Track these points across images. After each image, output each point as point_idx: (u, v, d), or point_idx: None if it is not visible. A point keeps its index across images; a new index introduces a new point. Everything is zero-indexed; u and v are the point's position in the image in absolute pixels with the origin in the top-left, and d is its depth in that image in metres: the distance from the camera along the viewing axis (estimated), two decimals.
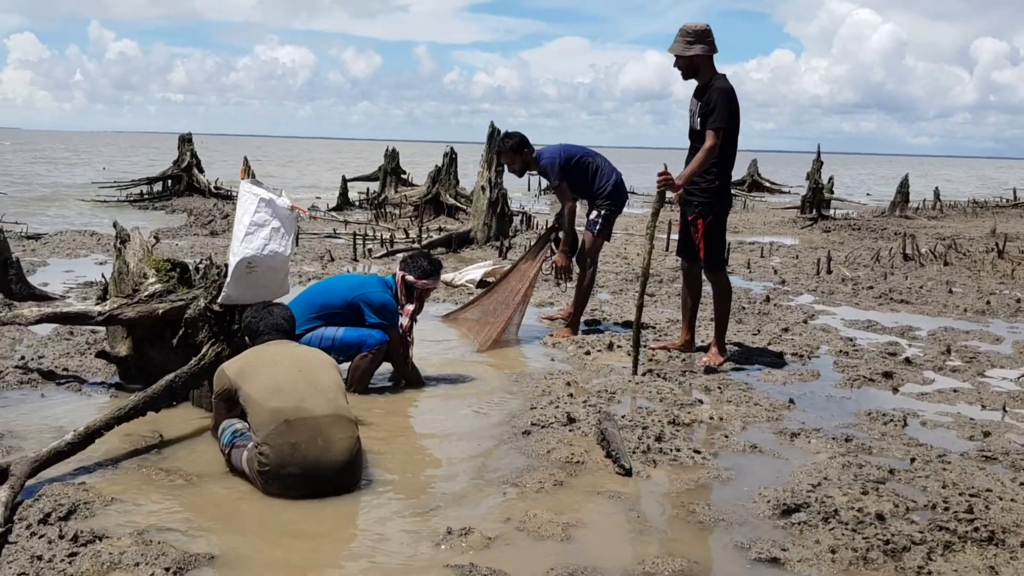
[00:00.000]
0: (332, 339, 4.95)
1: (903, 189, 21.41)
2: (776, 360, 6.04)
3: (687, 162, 5.72)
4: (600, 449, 4.13)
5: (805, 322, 7.38)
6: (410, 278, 5.20)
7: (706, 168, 5.62)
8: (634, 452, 4.09)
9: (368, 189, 24.28)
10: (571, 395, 4.98)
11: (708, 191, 5.74)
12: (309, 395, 3.61)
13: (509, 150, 6.90)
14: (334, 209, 20.65)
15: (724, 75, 5.72)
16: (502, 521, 3.36)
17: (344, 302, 5.04)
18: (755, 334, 6.83)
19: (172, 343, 4.65)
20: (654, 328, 7.00)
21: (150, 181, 23.29)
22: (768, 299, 8.42)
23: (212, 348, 4.41)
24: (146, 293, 4.81)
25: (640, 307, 5.62)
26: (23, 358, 5.41)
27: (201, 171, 23.12)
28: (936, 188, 24.41)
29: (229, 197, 22.67)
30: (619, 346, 6.21)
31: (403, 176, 23.73)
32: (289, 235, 4.34)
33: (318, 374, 3.74)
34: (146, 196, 21.94)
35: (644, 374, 5.50)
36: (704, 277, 6.02)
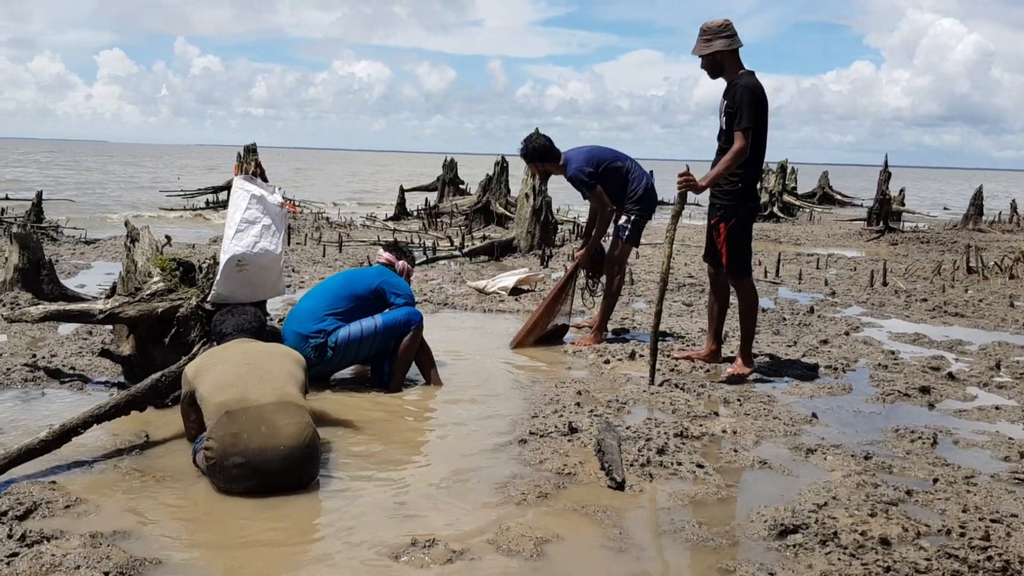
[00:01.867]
0: (374, 327, 5.06)
1: (977, 201, 20.54)
2: (808, 372, 5.71)
3: (713, 164, 5.47)
4: (596, 461, 3.91)
5: (847, 334, 7.01)
6: (402, 263, 5.60)
7: (743, 174, 5.39)
8: (631, 465, 3.86)
9: (427, 200, 24.39)
10: (579, 404, 4.76)
11: (731, 193, 5.48)
12: (254, 385, 3.52)
13: (527, 157, 6.65)
14: (391, 219, 20.77)
15: (751, 72, 5.47)
16: (473, 533, 3.17)
17: (370, 289, 5.17)
18: (791, 346, 6.50)
19: (187, 340, 4.60)
20: (683, 338, 6.72)
21: (215, 190, 23.75)
22: (812, 310, 8.05)
23: (203, 347, 4.33)
24: (148, 292, 4.76)
25: (658, 314, 5.37)
26: (34, 356, 5.43)
27: (265, 180, 23.44)
28: (1013, 200, 23.34)
29: (302, 210, 23.06)
30: (641, 355, 5.96)
31: (461, 187, 23.76)
32: (280, 232, 4.24)
33: (267, 365, 3.64)
34: (210, 205, 22.38)
35: (661, 384, 5.25)
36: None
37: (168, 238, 5.05)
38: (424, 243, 12.48)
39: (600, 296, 6.87)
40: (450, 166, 23.97)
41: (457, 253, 11.44)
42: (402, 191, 22.24)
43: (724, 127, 5.46)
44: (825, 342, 6.68)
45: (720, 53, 5.41)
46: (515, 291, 8.67)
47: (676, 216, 5.43)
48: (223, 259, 4.18)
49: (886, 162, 19.55)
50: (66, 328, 6.32)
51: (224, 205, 22.17)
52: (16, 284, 7.16)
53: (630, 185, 6.61)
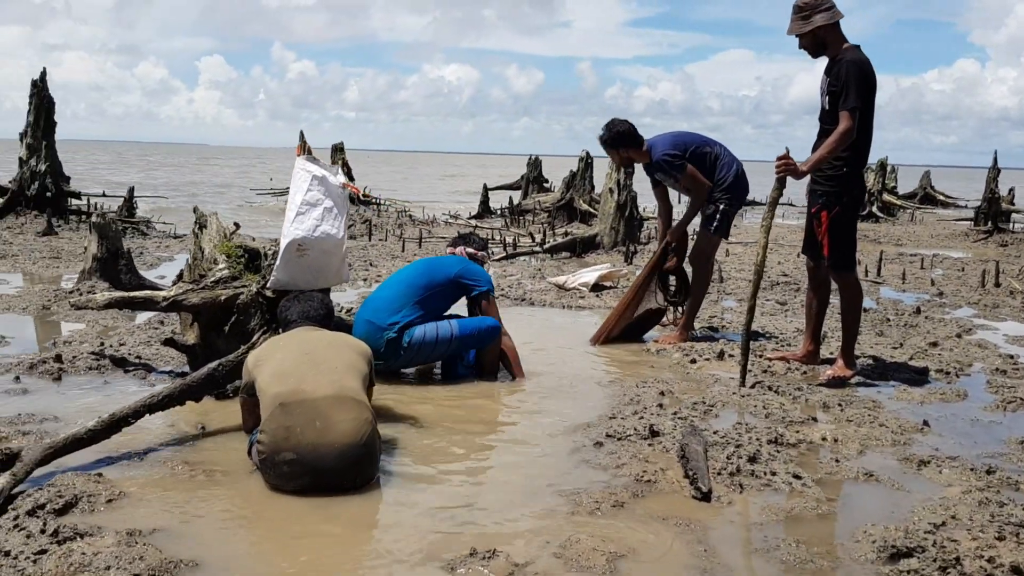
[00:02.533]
0: (451, 334, 4.92)
1: None
2: (916, 377, 5.20)
3: (814, 147, 5.02)
4: (680, 468, 3.54)
5: (959, 336, 6.42)
6: (471, 251, 5.30)
7: (849, 157, 4.92)
8: (719, 473, 3.48)
9: (510, 198, 24.18)
10: (661, 406, 4.38)
11: (835, 179, 5.00)
12: (311, 376, 3.27)
13: (610, 142, 6.22)
14: (474, 216, 20.64)
15: (856, 46, 4.99)
16: (539, 545, 2.85)
17: (448, 278, 5.01)
18: (896, 348, 5.97)
19: (248, 328, 4.42)
20: (778, 339, 6.26)
21: None
22: (919, 311, 7.45)
23: (264, 336, 4.13)
24: (212, 279, 4.59)
25: (751, 309, 4.94)
26: (102, 344, 5.35)
27: (352, 179, 23.61)
28: None
29: (378, 205, 23.17)
30: (731, 355, 5.54)
31: (545, 185, 23.47)
32: (342, 216, 4.01)
33: (327, 355, 3.39)
34: None
35: (753, 386, 4.83)
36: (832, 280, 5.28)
37: (237, 225, 4.83)
38: (505, 239, 12.22)
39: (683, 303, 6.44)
40: (534, 164, 23.70)
41: (538, 249, 11.13)
42: (486, 189, 22.10)
43: (827, 107, 5.00)
44: (935, 344, 6.12)
45: (821, 28, 4.95)
46: (596, 287, 8.31)
47: (773, 203, 5.00)
48: (283, 243, 3.97)
49: (995, 160, 18.42)
50: (141, 318, 6.25)
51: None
52: (95, 273, 7.17)
53: (718, 172, 6.16)
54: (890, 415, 4.39)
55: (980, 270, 10.40)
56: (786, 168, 4.82)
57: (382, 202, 24.27)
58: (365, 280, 8.50)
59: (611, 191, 11.61)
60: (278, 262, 4.01)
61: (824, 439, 4.00)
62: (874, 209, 21.19)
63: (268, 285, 4.12)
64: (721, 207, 6.12)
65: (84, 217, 13.85)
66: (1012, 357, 5.79)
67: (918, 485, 3.49)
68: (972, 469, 3.61)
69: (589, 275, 8.37)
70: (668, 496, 3.31)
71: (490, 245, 11.51)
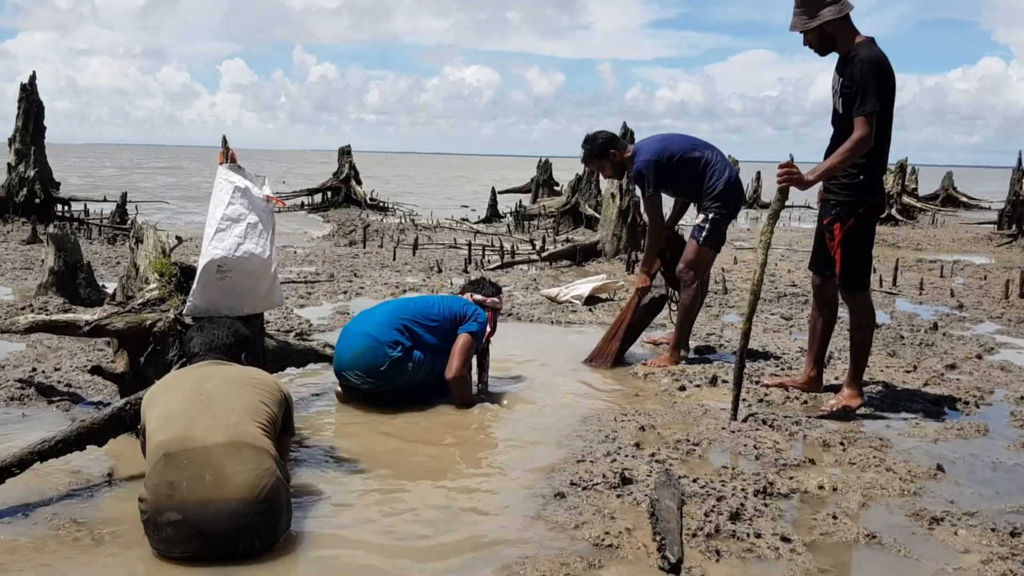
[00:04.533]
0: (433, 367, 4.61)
1: None
2: (931, 407, 4.66)
3: (827, 153, 4.50)
4: (650, 527, 3.04)
5: (979, 357, 5.86)
6: (479, 297, 4.93)
7: (864, 164, 4.38)
8: (694, 535, 2.97)
9: (519, 201, 23.74)
10: (638, 445, 3.87)
11: (850, 188, 4.46)
12: (202, 421, 2.80)
13: (593, 156, 5.76)
14: (482, 221, 20.22)
15: (870, 40, 4.43)
16: None
17: (453, 317, 4.69)
18: (909, 371, 5.43)
19: (166, 359, 3.95)
20: (778, 360, 5.73)
21: (310, 192, 23.74)
22: (936, 327, 6.88)
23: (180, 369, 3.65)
24: (140, 301, 4.12)
25: (746, 333, 4.42)
26: (34, 370, 4.90)
27: (359, 183, 23.31)
28: None
29: (385, 208, 22.82)
30: (724, 381, 5.01)
31: (555, 188, 22.98)
32: (268, 233, 3.53)
33: (226, 394, 2.92)
34: (306, 207, 22.28)
35: (746, 419, 4.31)
36: (841, 299, 4.73)
37: (179, 239, 4.35)
38: (503, 246, 11.72)
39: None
40: (544, 167, 23.25)
41: (535, 257, 10.63)
42: (494, 193, 21.67)
43: (841, 110, 4.44)
44: (952, 367, 5.57)
45: (829, 24, 4.39)
46: (591, 300, 7.80)
47: (774, 217, 4.45)
48: (201, 264, 3.49)
49: (1020, 160, 17.71)
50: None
51: (319, 209, 22.14)
52: (51, 288, 6.74)
53: (708, 178, 5.60)
54: (899, 456, 3.86)
55: (1004, 279, 9.80)
56: (788, 178, 4.30)
57: (389, 206, 23.90)
58: (345, 293, 8.02)
59: (613, 196, 11.10)
60: (195, 286, 3.53)
61: (821, 487, 3.48)
62: (893, 212, 20.52)
63: (184, 312, 3.64)
64: (711, 216, 5.57)
65: (74, 224, 13.50)
66: None
67: (928, 550, 2.97)
68: (993, 529, 3.08)
69: (583, 287, 7.86)
70: (630, 566, 2.80)
71: (491, 255, 11.04)
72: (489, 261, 10.72)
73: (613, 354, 5.59)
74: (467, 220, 20.60)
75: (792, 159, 4.36)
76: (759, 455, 3.82)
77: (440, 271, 9.66)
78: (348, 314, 6.81)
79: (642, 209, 5.80)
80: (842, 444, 3.99)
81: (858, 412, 4.53)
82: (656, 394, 4.88)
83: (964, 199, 29.51)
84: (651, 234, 5.74)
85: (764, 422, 4.28)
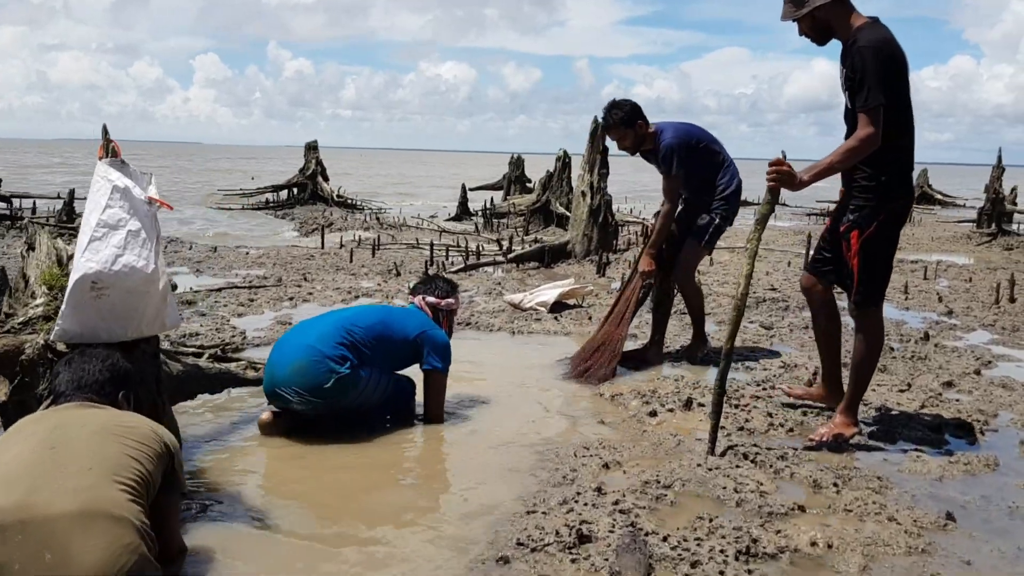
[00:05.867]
0: (399, 393, 4.28)
1: None
2: (930, 435, 4.14)
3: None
4: None
5: (977, 373, 5.36)
6: (432, 299, 4.46)
7: (881, 161, 3.82)
8: None
9: (491, 198, 23.22)
10: (600, 490, 3.31)
11: (870, 190, 3.88)
12: (47, 483, 2.22)
13: (619, 123, 5.39)
14: (453, 219, 19.70)
15: (874, 20, 3.89)
16: None
17: (407, 340, 4.19)
18: (903, 390, 4.92)
19: (35, 393, 3.34)
20: (757, 373, 5.19)
21: (275, 189, 23.05)
22: (927, 336, 6.39)
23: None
24: (20, 319, 3.50)
25: (728, 355, 3.85)
26: None
27: (326, 179, 22.65)
28: None
29: (352, 206, 22.20)
30: (700, 404, 4.47)
31: (528, 185, 22.44)
32: (152, 242, 2.93)
33: (83, 449, 2.34)
34: (271, 204, 21.58)
35: (724, 453, 3.77)
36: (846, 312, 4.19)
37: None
38: (468, 245, 11.12)
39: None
40: (516, 163, 22.67)
41: (501, 259, 10.05)
42: (464, 190, 21.11)
43: (849, 105, 3.89)
44: (950, 385, 5.07)
45: (821, 9, 3.88)
46: (557, 306, 7.25)
47: (762, 221, 3.92)
48: (71, 280, 2.89)
49: (999, 158, 17.39)
50: None
51: (284, 206, 21.44)
52: None
53: (722, 176, 5.43)
54: (902, 501, 3.33)
55: (991, 283, 9.38)
56: (779, 176, 3.74)
57: (357, 203, 23.25)
58: (291, 299, 7.41)
59: (583, 194, 10.55)
60: (64, 307, 2.92)
61: (814, 544, 2.93)
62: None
63: (52, 338, 3.03)
64: (716, 218, 5.39)
65: (12, 223, 12.76)
66: None
67: None
68: None
69: (548, 293, 7.30)
70: None
71: (455, 256, 10.46)
72: (453, 263, 10.14)
73: (614, 356, 5.24)
74: (436, 217, 20.04)
75: (784, 156, 3.83)
76: (740, 500, 3.27)
77: (398, 274, 9.06)
78: (290, 324, 6.21)
79: (663, 188, 5.52)
80: (835, 485, 3.45)
81: (851, 442, 4.00)
82: (624, 420, 4.32)
83: (940, 196, 29.25)
84: (665, 216, 5.45)
85: (745, 456, 3.73)
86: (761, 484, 3.43)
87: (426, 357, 4.17)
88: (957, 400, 4.73)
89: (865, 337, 4.03)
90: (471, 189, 25.41)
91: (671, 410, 4.42)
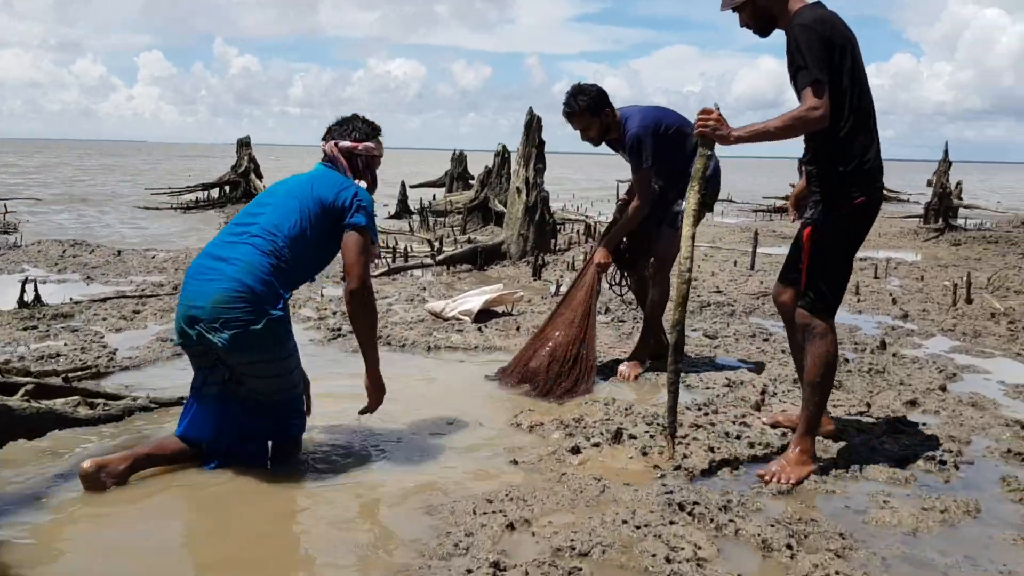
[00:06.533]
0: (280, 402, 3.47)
1: None
2: (899, 471, 3.52)
3: (802, 162, 3.77)
4: None
5: (943, 389, 4.79)
6: (347, 144, 3.64)
7: (834, 150, 3.40)
8: None
9: (434, 196, 22.54)
10: (497, 565, 2.63)
11: (825, 184, 3.44)
12: None
13: (585, 110, 4.88)
14: (392, 216, 18.99)
15: (813, 3, 3.48)
16: None
17: (324, 208, 3.44)
18: (863, 412, 4.32)
19: None
20: (692, 388, 4.55)
21: (206, 187, 22.04)
22: (884, 345, 5.82)
23: None
24: None
25: (674, 387, 3.23)
26: None
27: (260, 176, 21.74)
28: None
29: None
30: (631, 437, 3.80)
31: (471, 181, 21.76)
32: None
33: None
34: (200, 203, 20.61)
35: (659, 496, 3.11)
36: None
37: None
38: (398, 246, 10.35)
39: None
40: (459, 160, 21.97)
41: (430, 261, 9.32)
42: (404, 187, 20.39)
43: (795, 93, 3.41)
44: (914, 404, 4.49)
45: None
46: (483, 315, 6.56)
47: (699, 176, 3.51)
48: None
49: (946, 152, 17.13)
50: None
51: (216, 205, 20.45)
52: None
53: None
54: (871, 566, 2.70)
55: (943, 282, 8.93)
56: (710, 125, 3.40)
57: None
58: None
59: (519, 191, 9.86)
60: None
61: None
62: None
63: None
64: None
65: None
66: (1021, 425, 4.16)
67: None
68: None
69: (473, 300, 6.59)
70: None
71: (380, 248, 9.72)
72: (378, 265, 9.37)
73: (591, 368, 4.79)
74: (375, 216, 19.30)
75: (718, 108, 3.42)
76: (673, 573, 2.61)
77: (312, 279, 8.26)
78: (173, 339, 5.43)
79: (633, 180, 5.06)
80: (789, 546, 2.81)
81: (808, 481, 3.38)
82: (541, 459, 3.63)
83: (885, 192, 29.20)
84: (634, 213, 5.00)
85: (681, 507, 3.07)
86: (699, 548, 2.77)
87: (351, 215, 3.43)
88: (924, 425, 4.13)
89: (813, 349, 3.48)
90: (412, 186, 24.62)
91: (597, 444, 3.74)
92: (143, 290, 7.41)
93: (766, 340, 5.97)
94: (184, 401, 4.21)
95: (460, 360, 5.39)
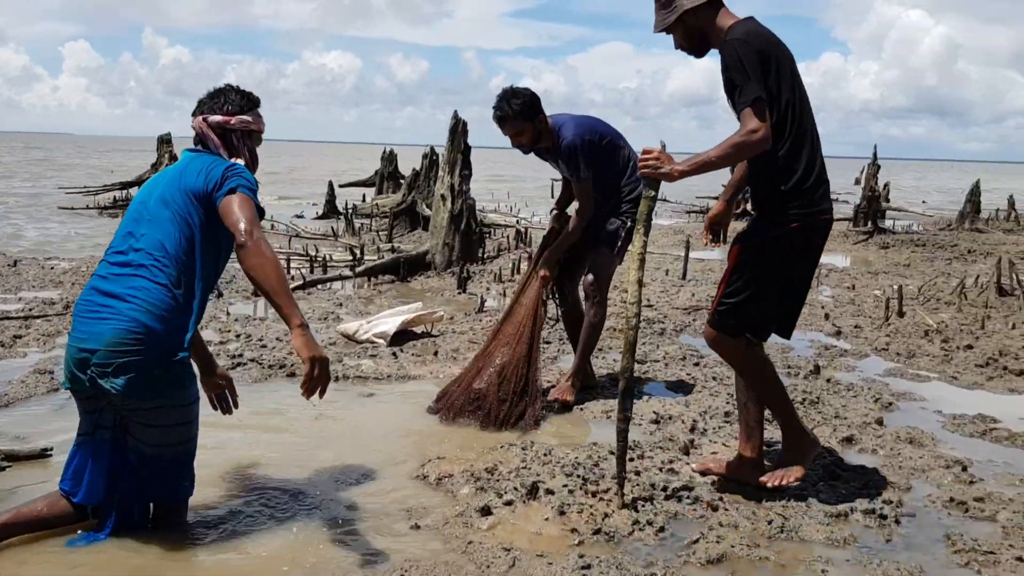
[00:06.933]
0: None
1: (973, 197, 18.32)
2: (837, 530, 3.23)
3: (748, 186, 3.52)
4: None
5: (880, 423, 4.53)
6: (218, 118, 3.14)
7: (773, 168, 3.26)
8: None
9: (363, 196, 22.00)
10: None
11: (765, 202, 3.35)
12: None
13: (518, 115, 4.57)
14: (320, 217, 18.46)
15: (746, 19, 3.33)
16: None
17: (198, 196, 2.95)
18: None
19: None
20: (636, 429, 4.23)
21: (124, 186, 21.10)
22: (818, 369, 5.58)
23: None
24: None
25: (627, 390, 2.93)
26: None
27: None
28: (1011, 196, 21.20)
29: None
30: (549, 492, 3.44)
31: (402, 181, 21.26)
32: None
33: None
34: (119, 203, 19.69)
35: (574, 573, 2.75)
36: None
37: None
38: (317, 254, 9.84)
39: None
40: (389, 158, 21.44)
41: (348, 273, 8.85)
42: (331, 187, 19.84)
43: (733, 111, 3.21)
44: (850, 441, 4.22)
45: (691, 13, 3.33)
46: (400, 337, 6.15)
47: (645, 219, 3.29)
48: None
49: (875, 154, 17.23)
50: None
51: (124, 205, 19.56)
52: None
53: (629, 176, 4.71)
54: None
55: (875, 291, 8.81)
56: (652, 165, 3.19)
57: None
58: None
59: (443, 198, 9.45)
60: None
61: None
62: (748, 207, 19.82)
63: None
64: (628, 223, 4.64)
65: None
66: (962, 466, 3.91)
67: None
68: None
69: (389, 322, 6.17)
70: None
71: (296, 268, 9.22)
72: (294, 276, 8.86)
73: (536, 395, 4.51)
74: (302, 217, 18.76)
75: (664, 147, 3.21)
76: None
77: (220, 295, 7.75)
78: (52, 372, 4.91)
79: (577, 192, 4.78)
80: None
81: (742, 547, 3.06)
82: (446, 522, 3.24)
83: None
84: (578, 223, 4.73)
85: None
86: None
87: (229, 181, 2.91)
88: (862, 468, 3.85)
89: (737, 369, 3.53)
90: (341, 185, 24.02)
91: (510, 503, 3.36)
92: (31, 309, 6.81)
93: (696, 364, 5.68)
94: (48, 452, 3.76)
95: (369, 393, 4.97)
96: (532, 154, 4.80)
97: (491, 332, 4.86)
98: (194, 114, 3.20)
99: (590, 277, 4.81)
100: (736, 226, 3.82)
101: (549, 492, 3.43)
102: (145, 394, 2.86)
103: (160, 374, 2.86)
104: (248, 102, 3.24)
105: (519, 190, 29.39)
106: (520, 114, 4.55)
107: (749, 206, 3.77)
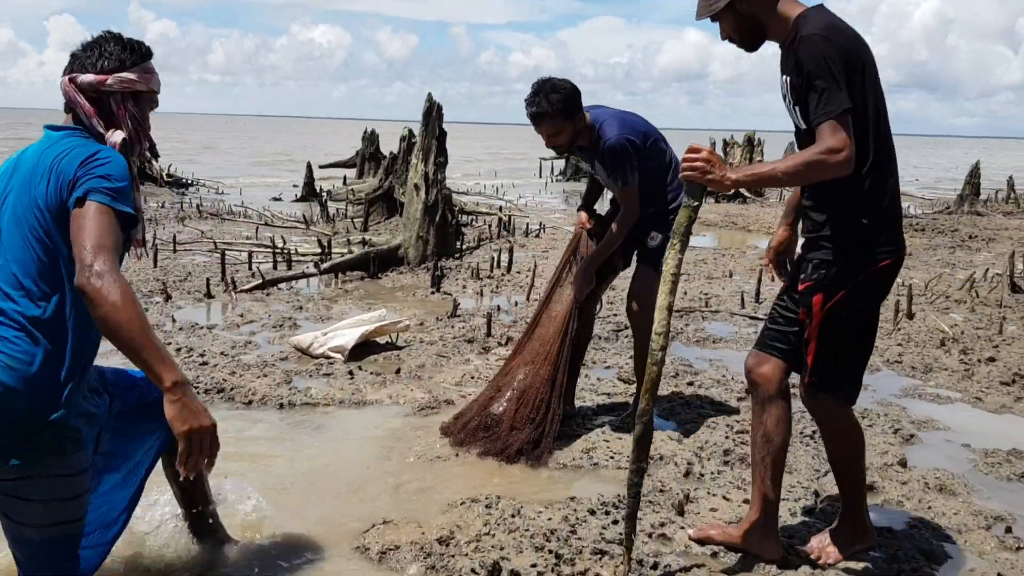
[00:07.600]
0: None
1: (973, 179, 17.78)
2: None
3: (804, 195, 2.86)
4: None
5: (903, 465, 3.92)
6: (90, 78, 2.33)
7: (856, 198, 2.67)
8: None
9: (344, 178, 21.38)
10: None
11: (841, 239, 2.70)
12: None
13: (558, 112, 3.91)
14: (299, 200, 17.84)
15: (816, 9, 2.71)
16: None
17: (58, 210, 2.17)
18: (811, 505, 3.45)
19: None
20: (600, 476, 3.60)
21: None
22: None
23: None
24: None
25: (643, 438, 2.56)
26: None
27: (156, 156, 20.23)
28: (1010, 178, 20.66)
29: (184, 185, 20.21)
30: (514, 574, 2.82)
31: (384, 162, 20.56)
32: None
33: None
34: None
35: None
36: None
37: None
38: (282, 246, 9.15)
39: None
40: (370, 139, 20.73)
41: (313, 271, 8.17)
42: (310, 168, 19.16)
43: (802, 124, 2.70)
44: (871, 489, 3.62)
45: (745, 3, 2.73)
46: (362, 347, 5.51)
47: (684, 232, 2.64)
48: None
49: None
50: None
51: None
52: None
53: (672, 182, 4.08)
54: None
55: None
56: (699, 167, 2.60)
57: (191, 182, 21.03)
58: None
59: (416, 188, 8.78)
60: None
61: None
62: (743, 189, 19.19)
63: None
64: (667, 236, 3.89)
65: None
66: (1006, 526, 3.31)
67: None
68: None
69: (348, 335, 5.51)
70: None
71: (258, 263, 8.54)
72: (256, 271, 8.19)
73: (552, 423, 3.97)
74: (280, 200, 18.15)
75: (714, 146, 2.56)
76: None
77: (169, 297, 7.07)
78: None
79: (617, 196, 4.15)
80: None
81: None
82: None
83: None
84: (621, 230, 4.10)
85: None
86: None
87: (77, 189, 2.14)
88: (889, 532, 3.25)
89: (833, 434, 3.01)
90: (322, 166, 23.28)
91: None
92: None
93: (691, 384, 5.07)
94: None
95: (317, 426, 4.33)
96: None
97: (514, 347, 4.32)
98: (65, 72, 2.42)
99: (635, 306, 4.21)
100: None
101: (514, 574, 2.81)
102: (13, 462, 2.22)
103: (31, 443, 2.21)
104: (133, 54, 2.42)
105: (509, 164, 28.70)
106: (561, 112, 3.90)
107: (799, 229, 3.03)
